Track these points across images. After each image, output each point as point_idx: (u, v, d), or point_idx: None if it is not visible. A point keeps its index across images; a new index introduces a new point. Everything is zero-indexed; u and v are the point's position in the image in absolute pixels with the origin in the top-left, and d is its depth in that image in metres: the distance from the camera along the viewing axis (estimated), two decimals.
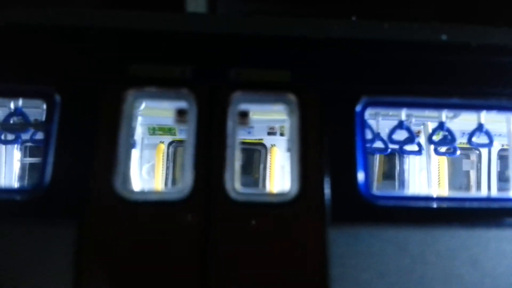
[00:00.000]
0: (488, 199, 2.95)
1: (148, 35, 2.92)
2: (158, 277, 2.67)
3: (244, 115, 2.95)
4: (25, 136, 4.12)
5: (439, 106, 3.19)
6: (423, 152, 4.84)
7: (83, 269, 2.68)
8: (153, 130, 5.08)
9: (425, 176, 5.13)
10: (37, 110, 3.54)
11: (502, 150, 5.63)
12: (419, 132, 5.16)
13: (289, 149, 2.91)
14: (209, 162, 2.80)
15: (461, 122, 4.42)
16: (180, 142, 5.89)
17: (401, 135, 4.10)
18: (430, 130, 4.57)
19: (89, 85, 2.87)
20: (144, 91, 2.91)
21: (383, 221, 2.79)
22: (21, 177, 5.09)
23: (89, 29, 2.91)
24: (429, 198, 2.99)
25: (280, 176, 6.07)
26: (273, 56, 2.96)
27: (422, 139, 5.01)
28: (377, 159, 6.43)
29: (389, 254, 2.76)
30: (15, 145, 4.77)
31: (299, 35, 2.96)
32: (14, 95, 3.18)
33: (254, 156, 5.94)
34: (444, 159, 5.25)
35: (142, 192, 2.87)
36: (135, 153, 5.25)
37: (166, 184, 5.74)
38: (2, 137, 3.94)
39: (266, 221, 2.76)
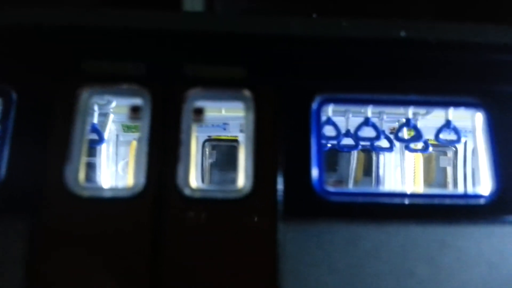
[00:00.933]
0: (442, 195, 2.94)
1: (102, 32, 2.92)
2: (108, 274, 2.67)
3: (199, 112, 2.95)
4: None
5: (397, 103, 3.19)
6: (395, 149, 4.83)
7: (35, 264, 2.68)
8: (128, 128, 5.08)
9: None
10: None
11: None
12: (393, 129, 5.16)
13: (245, 146, 2.90)
14: (162, 159, 2.80)
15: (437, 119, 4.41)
16: None
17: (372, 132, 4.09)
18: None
19: (44, 82, 2.87)
20: (98, 88, 2.91)
21: (335, 217, 2.79)
22: None
23: (44, 26, 2.91)
24: (382, 194, 2.99)
25: None
26: (229, 53, 2.95)
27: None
28: (355, 156, 6.42)
29: (341, 250, 2.76)
30: None
31: (254, 32, 2.95)
32: None
33: (230, 153, 5.93)
34: (419, 156, 5.26)
35: (94, 188, 2.88)
36: (110, 150, 5.27)
37: None
38: None
39: (218, 218, 2.76)
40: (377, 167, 5.64)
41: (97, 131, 4.32)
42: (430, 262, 2.80)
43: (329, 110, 3.68)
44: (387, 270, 2.77)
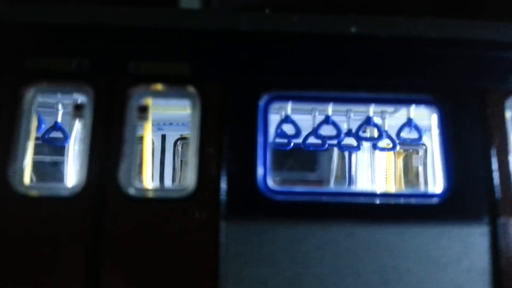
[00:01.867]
0: (393, 195, 2.90)
1: (45, 28, 2.88)
2: (46, 274, 2.64)
3: (143, 109, 2.91)
4: None
5: (347, 100, 3.14)
6: (363, 148, 4.78)
7: None
8: None
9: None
10: None
11: None
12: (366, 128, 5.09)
13: (190, 144, 2.86)
14: (104, 158, 2.76)
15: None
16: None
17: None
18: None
19: None
20: (43, 86, 2.87)
21: (279, 216, 2.75)
22: None
23: None
24: (328, 193, 2.94)
25: None
26: (173, 48, 2.91)
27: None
28: (335, 155, 6.37)
29: (284, 249, 2.72)
30: None
31: (199, 27, 2.92)
32: None
33: None
34: (391, 155, 5.20)
35: (37, 187, 2.84)
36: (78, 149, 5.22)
37: None
38: None
39: (160, 217, 2.72)
40: (350, 167, 5.58)
41: (62, 129, 4.29)
42: (376, 263, 2.76)
43: (288, 108, 3.63)
44: (332, 270, 2.73)
